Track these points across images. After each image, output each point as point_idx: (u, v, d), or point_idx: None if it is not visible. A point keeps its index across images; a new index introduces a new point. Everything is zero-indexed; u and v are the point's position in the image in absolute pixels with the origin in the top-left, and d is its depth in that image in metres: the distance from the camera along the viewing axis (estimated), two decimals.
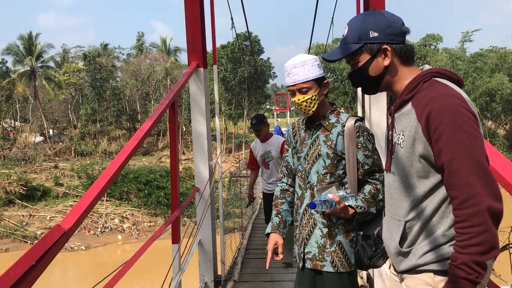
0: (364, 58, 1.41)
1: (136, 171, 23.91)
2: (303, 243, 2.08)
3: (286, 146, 2.30)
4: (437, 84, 1.30)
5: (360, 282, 3.82)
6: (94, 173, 23.82)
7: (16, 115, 36.84)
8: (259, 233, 7.55)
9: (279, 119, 44.97)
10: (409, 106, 1.34)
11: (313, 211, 2.03)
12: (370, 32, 1.39)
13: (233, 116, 40.21)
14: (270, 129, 5.04)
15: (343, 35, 1.45)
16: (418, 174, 1.33)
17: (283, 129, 15.49)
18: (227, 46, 37.82)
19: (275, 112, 44.18)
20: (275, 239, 2.08)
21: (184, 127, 36.73)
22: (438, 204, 1.32)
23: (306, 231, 2.07)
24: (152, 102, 36.88)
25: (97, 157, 31.16)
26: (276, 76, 50.34)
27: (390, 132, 1.44)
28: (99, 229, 20.57)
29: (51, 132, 36.67)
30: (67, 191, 23.18)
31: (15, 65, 37.71)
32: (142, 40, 43.94)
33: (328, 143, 2.04)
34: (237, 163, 25.13)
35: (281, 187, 2.26)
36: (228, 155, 36.25)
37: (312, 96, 2.03)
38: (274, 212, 2.20)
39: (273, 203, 2.24)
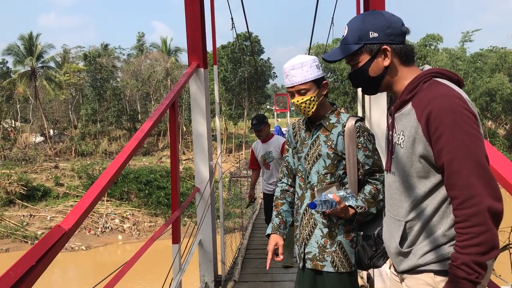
0: (364, 58, 1.41)
1: (136, 171, 23.93)
2: (303, 243, 2.08)
3: (286, 146, 2.30)
4: (437, 84, 1.30)
5: (360, 282, 3.82)
6: (94, 173, 23.84)
7: (17, 115, 36.87)
8: (259, 233, 7.55)
9: (279, 119, 44.96)
10: (409, 106, 1.34)
11: (313, 211, 2.03)
12: (370, 32, 1.39)
13: (233, 116, 40.23)
14: (270, 129, 5.04)
15: (343, 36, 1.45)
16: (418, 174, 1.33)
17: (284, 129, 15.50)
18: (227, 46, 37.83)
19: (275, 112, 44.19)
20: (275, 240, 2.09)
21: (184, 127, 36.74)
22: (438, 204, 1.32)
23: (307, 231, 2.07)
24: (153, 102, 36.90)
25: (97, 157, 31.19)
26: (276, 76, 50.44)
27: (390, 132, 1.44)
28: (99, 229, 20.58)
29: (51, 132, 36.70)
30: (67, 191, 23.20)
31: (15, 66, 37.74)
32: (143, 40, 43.99)
33: (328, 143, 2.04)
34: (237, 163, 25.15)
35: (281, 187, 2.26)
36: (228, 155, 36.26)
37: (311, 97, 2.03)
38: (274, 213, 2.20)
39: (273, 204, 2.24)
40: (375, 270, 3.65)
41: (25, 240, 19.18)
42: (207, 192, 3.87)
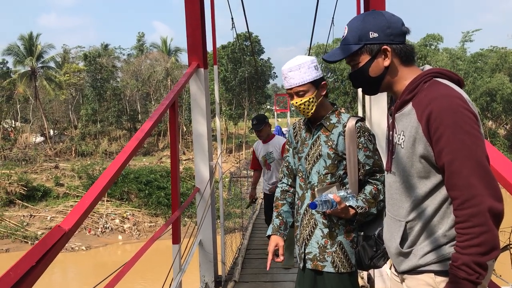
0: (364, 58, 1.41)
1: (136, 171, 23.92)
2: (303, 244, 2.08)
3: (287, 146, 2.30)
4: (437, 84, 1.29)
5: (360, 282, 3.82)
6: (94, 174, 23.84)
7: (17, 115, 36.86)
8: (259, 233, 7.54)
9: (279, 119, 44.93)
10: (409, 106, 1.34)
11: (313, 211, 2.03)
12: (370, 32, 1.38)
13: (234, 116, 40.22)
14: (271, 130, 5.04)
15: (343, 36, 1.45)
16: (418, 175, 1.33)
17: (284, 129, 15.51)
18: (227, 46, 37.83)
19: (275, 112, 44.16)
20: (276, 241, 2.09)
21: (184, 127, 36.74)
22: (439, 204, 1.32)
23: (307, 231, 2.07)
24: (153, 102, 36.90)
25: (97, 157, 31.17)
26: (276, 76, 50.24)
27: (391, 132, 1.44)
28: (99, 230, 20.57)
29: (51, 132, 36.70)
30: (67, 191, 23.19)
31: (15, 66, 37.75)
32: (143, 41, 44.01)
33: (329, 144, 2.04)
34: (237, 163, 25.16)
35: (282, 187, 2.26)
36: (229, 155, 36.26)
37: (310, 98, 2.03)
38: (274, 213, 2.20)
39: (273, 204, 2.24)
40: (375, 270, 3.65)
41: (25, 240, 19.17)
42: (207, 192, 3.87)
